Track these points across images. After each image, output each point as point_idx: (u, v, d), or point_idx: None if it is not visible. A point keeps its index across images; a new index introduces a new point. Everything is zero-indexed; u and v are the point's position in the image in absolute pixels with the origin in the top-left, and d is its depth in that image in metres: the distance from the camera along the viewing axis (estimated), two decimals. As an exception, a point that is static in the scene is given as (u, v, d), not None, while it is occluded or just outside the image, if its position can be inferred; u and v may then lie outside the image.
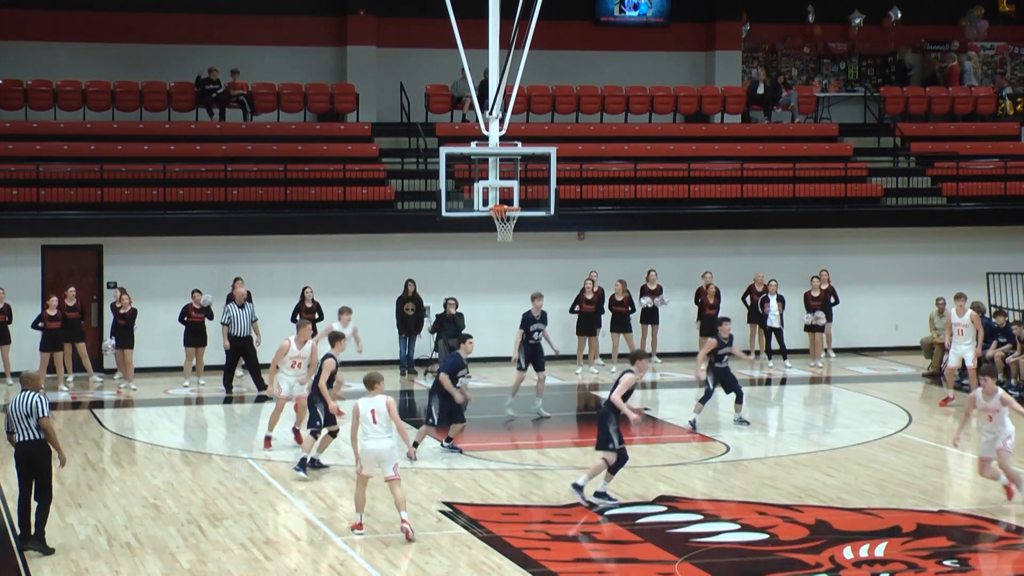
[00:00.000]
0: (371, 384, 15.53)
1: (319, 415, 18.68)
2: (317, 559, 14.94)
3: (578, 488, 17.14)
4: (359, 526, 15.75)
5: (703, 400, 21.82)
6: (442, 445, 20.11)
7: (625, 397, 17.04)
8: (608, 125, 32.08)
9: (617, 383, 17.10)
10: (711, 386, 21.79)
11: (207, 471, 19.29)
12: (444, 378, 19.77)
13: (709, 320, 28.17)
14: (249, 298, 26.04)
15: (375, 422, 15.37)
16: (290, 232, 28.18)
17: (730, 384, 21.85)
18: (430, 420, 19.90)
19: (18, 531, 15.40)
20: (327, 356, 18.87)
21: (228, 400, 25.13)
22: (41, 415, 14.95)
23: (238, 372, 27.24)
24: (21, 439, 15.08)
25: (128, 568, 14.57)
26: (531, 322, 22.98)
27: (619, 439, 17.03)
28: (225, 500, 17.46)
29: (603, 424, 17.13)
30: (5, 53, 30.12)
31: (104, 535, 15.75)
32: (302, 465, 18.55)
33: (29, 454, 15.06)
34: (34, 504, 15.17)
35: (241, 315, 25.56)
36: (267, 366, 24.69)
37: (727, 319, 22.41)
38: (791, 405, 25.86)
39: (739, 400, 21.99)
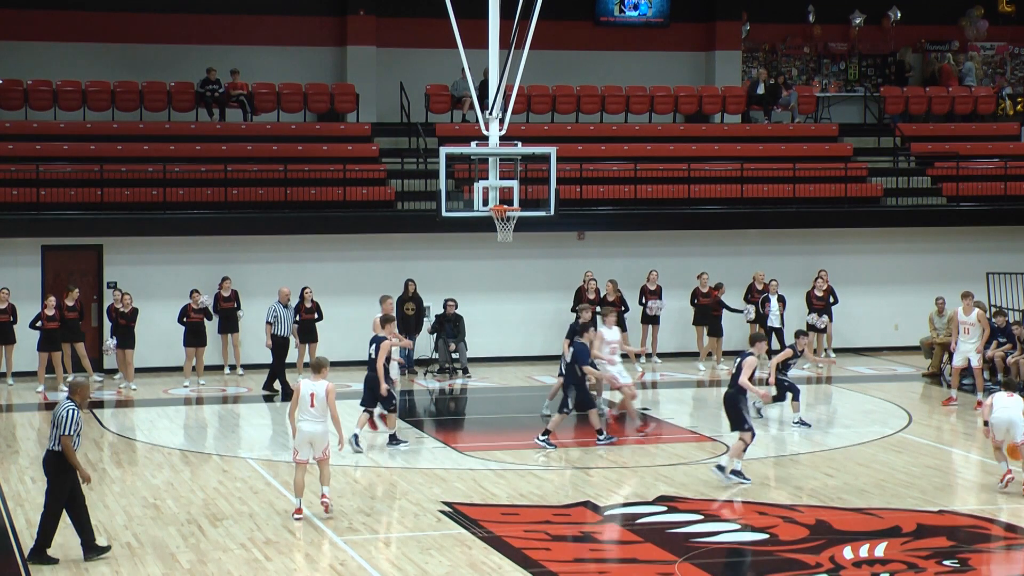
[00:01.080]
0: (317, 368, 16.48)
1: (393, 396, 20.55)
2: (317, 559, 14.94)
3: (721, 469, 18.21)
4: (299, 511, 16.36)
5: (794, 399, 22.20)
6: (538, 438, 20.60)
7: (749, 378, 18.13)
8: (608, 125, 32.08)
9: (740, 367, 18.16)
10: (780, 394, 22.21)
11: (207, 471, 19.30)
12: (589, 369, 20.47)
13: (703, 310, 28.16)
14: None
15: (312, 405, 16.22)
16: (290, 232, 28.17)
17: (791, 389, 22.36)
18: (565, 410, 20.43)
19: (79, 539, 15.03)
20: (382, 338, 20.42)
21: (270, 399, 25.00)
22: (64, 433, 14.52)
23: (239, 371, 27.29)
24: (48, 446, 14.87)
25: (128, 568, 14.57)
26: (575, 332, 22.21)
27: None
28: (225, 500, 17.47)
29: (735, 407, 18.30)
30: (5, 53, 30.12)
31: (104, 535, 15.74)
32: (356, 440, 20.19)
33: (46, 463, 14.87)
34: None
35: (286, 315, 25.46)
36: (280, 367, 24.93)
37: (805, 333, 23.09)
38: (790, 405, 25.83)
39: (796, 399, 22.35)
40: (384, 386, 20.23)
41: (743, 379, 18.07)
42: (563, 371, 21.51)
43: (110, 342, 26.06)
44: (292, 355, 27.01)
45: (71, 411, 14.60)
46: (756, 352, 18.43)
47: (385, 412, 20.67)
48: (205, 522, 16.42)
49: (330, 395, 16.22)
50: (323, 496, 16.45)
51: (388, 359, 20.64)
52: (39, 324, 25.64)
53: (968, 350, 23.83)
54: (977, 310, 23.89)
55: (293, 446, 16.60)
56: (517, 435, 21.89)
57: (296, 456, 16.43)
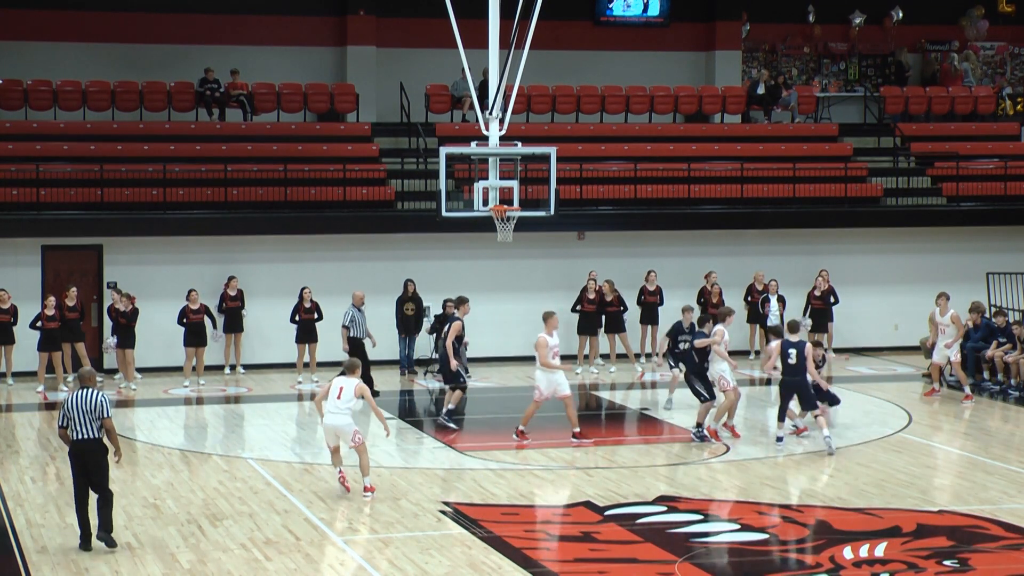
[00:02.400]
0: (351, 369, 17.67)
1: (461, 373, 22.08)
2: (317, 559, 14.94)
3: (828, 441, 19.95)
4: (343, 477, 17.70)
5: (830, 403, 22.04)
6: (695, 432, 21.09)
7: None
8: (608, 125, 32.08)
9: (805, 358, 20.22)
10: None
11: (207, 471, 19.29)
12: (718, 350, 21.03)
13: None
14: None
15: (339, 398, 17.33)
16: (290, 232, 28.18)
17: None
18: (702, 398, 21.05)
19: (78, 531, 15.31)
20: (456, 319, 22.22)
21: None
22: (105, 415, 15.04)
23: (240, 371, 27.29)
24: (80, 437, 15.04)
25: (128, 568, 14.57)
26: (679, 332, 22.70)
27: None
28: (225, 500, 17.47)
29: (805, 390, 20.36)
30: (5, 53, 30.12)
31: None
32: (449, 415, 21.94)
33: (86, 452, 15.06)
34: (94, 501, 15.20)
35: (361, 318, 25.29)
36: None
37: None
38: (791, 405, 25.81)
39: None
40: (453, 362, 21.78)
41: (811, 370, 20.41)
42: (676, 365, 22.86)
43: (110, 340, 26.07)
44: (290, 355, 27.06)
45: (104, 397, 15.18)
46: (726, 325, 20.96)
47: (450, 388, 22.23)
48: (205, 522, 16.42)
49: (363, 393, 17.43)
50: (366, 488, 17.48)
51: (459, 339, 22.35)
52: (39, 324, 25.64)
53: (944, 349, 24.70)
54: (952, 311, 24.60)
55: (325, 441, 17.90)
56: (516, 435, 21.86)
57: (328, 445, 17.75)
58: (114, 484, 18.34)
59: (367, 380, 24.95)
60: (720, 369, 21.07)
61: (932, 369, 25.22)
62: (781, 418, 20.67)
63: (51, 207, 27.41)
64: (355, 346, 25.06)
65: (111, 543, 15.13)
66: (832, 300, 28.91)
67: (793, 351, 20.32)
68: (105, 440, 15.14)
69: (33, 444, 21.29)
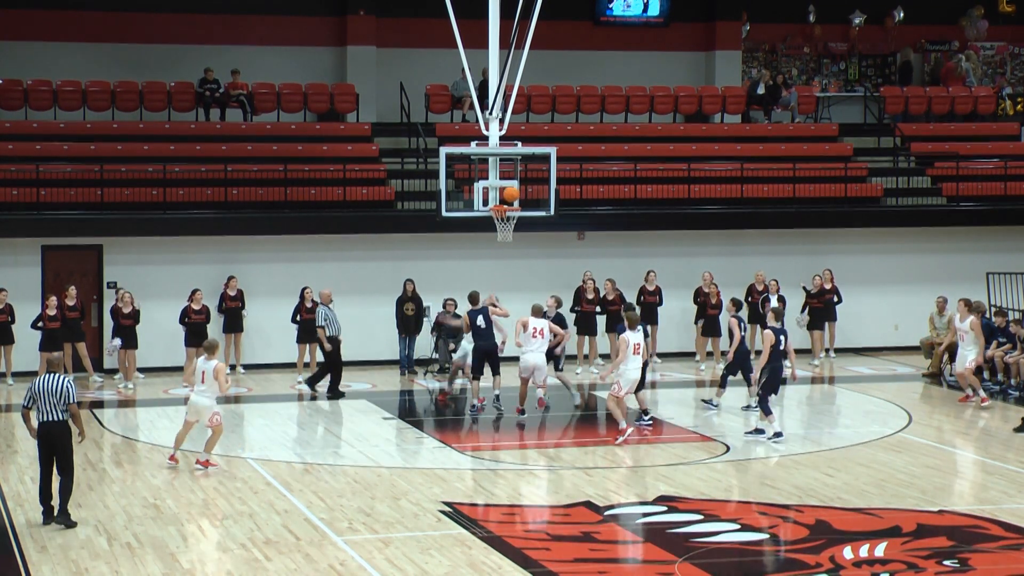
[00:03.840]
0: (211, 350, 18.99)
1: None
2: (317, 559, 14.94)
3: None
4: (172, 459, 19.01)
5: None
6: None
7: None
8: (608, 125, 32.08)
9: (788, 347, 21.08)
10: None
11: (207, 471, 19.27)
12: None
13: (711, 321, 28.14)
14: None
15: (203, 381, 18.85)
16: (290, 232, 28.17)
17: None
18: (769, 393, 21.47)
19: (41, 508, 16.09)
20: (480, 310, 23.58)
21: (339, 396, 24.83)
22: (71, 401, 15.82)
23: (240, 371, 27.28)
24: (45, 419, 15.90)
25: (128, 568, 14.57)
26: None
27: None
28: (225, 500, 17.46)
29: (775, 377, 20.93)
30: (5, 53, 30.13)
31: (104, 535, 15.76)
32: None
33: (53, 435, 15.91)
34: (56, 481, 16.01)
35: (333, 315, 25.13)
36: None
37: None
38: (791, 405, 25.84)
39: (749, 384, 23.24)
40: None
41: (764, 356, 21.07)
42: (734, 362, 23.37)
43: (115, 342, 26.02)
44: (291, 355, 27.06)
45: (70, 383, 15.92)
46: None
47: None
48: (205, 522, 16.42)
49: (218, 373, 18.76)
50: (198, 461, 19.21)
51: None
52: (40, 324, 25.64)
53: (966, 356, 23.93)
54: (971, 318, 23.80)
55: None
56: (517, 435, 21.90)
57: (188, 419, 19.43)
58: (114, 484, 18.44)
59: (335, 379, 24.97)
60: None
61: (959, 379, 24.37)
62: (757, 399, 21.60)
63: (51, 207, 27.41)
64: (334, 345, 24.97)
65: (70, 523, 15.89)
66: (836, 299, 28.85)
67: (783, 337, 21.35)
68: (71, 423, 15.92)
69: (33, 444, 21.17)
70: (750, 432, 21.45)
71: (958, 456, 20.31)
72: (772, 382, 21.11)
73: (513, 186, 21.56)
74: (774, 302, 28.23)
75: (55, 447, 15.94)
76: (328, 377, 25.04)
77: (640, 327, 21.27)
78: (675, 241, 29.85)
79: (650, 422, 22.04)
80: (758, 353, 28.91)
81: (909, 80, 34.92)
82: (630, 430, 20.80)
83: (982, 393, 23.92)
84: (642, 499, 17.44)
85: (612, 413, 20.79)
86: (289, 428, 22.88)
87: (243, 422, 23.78)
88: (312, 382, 25.21)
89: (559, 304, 24.73)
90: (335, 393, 24.91)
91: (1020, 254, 30.40)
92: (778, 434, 20.92)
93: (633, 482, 18.32)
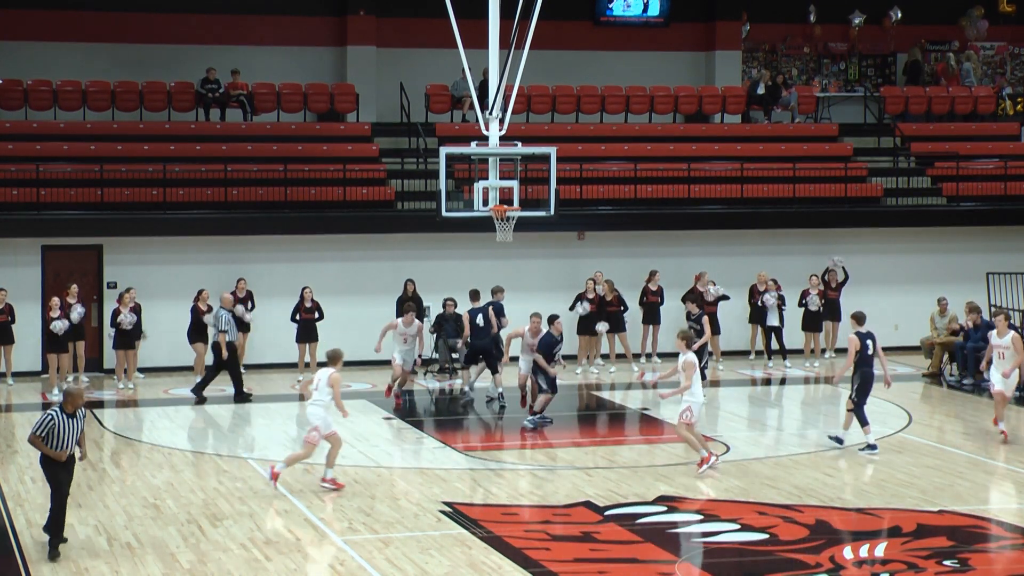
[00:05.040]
0: (333, 360, 18.21)
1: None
2: (317, 559, 14.94)
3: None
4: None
5: None
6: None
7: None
8: (608, 125, 32.08)
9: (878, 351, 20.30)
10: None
11: (207, 471, 19.29)
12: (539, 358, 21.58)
13: (710, 317, 28.07)
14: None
15: (316, 388, 18.00)
16: (290, 232, 28.18)
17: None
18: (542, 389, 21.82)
19: (58, 538, 15.26)
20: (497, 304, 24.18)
21: (246, 399, 24.73)
22: (32, 431, 15.10)
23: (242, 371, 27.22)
24: (70, 454, 15.37)
25: (128, 568, 14.57)
26: (553, 345, 22.22)
27: None
28: (225, 500, 17.47)
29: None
30: (5, 53, 30.13)
31: (104, 535, 15.76)
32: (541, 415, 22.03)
33: (71, 465, 15.41)
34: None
35: (233, 320, 24.82)
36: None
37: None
38: (791, 405, 25.86)
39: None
40: (551, 370, 21.89)
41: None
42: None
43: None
44: (291, 355, 27.05)
45: (47, 416, 15.03)
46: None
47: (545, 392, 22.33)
48: (205, 522, 16.42)
49: (335, 383, 17.91)
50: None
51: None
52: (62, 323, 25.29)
53: (1007, 374, 21.13)
54: (1012, 333, 21.31)
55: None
56: (517, 435, 21.89)
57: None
58: (114, 484, 18.46)
59: (238, 383, 24.52)
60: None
61: (997, 401, 21.33)
62: None
63: (51, 207, 27.41)
64: (231, 351, 24.50)
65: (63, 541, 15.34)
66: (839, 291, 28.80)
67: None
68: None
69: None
70: (832, 437, 20.63)
71: (958, 456, 20.31)
72: (865, 387, 20.07)
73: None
74: (772, 300, 28.28)
75: (73, 476, 15.51)
76: (232, 383, 24.61)
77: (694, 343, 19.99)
78: (675, 241, 29.84)
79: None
80: (757, 354, 29.02)
81: (917, 80, 34.88)
82: (714, 458, 18.83)
83: (1003, 425, 21.16)
84: (642, 499, 17.44)
85: (688, 442, 18.92)
86: (289, 428, 22.87)
87: (243, 422, 23.77)
88: (199, 389, 24.54)
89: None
90: (242, 397, 24.52)
91: (1020, 254, 30.40)
92: (871, 447, 19.91)
93: (633, 482, 18.32)
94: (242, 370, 25.35)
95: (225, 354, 24.50)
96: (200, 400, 24.38)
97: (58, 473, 15.14)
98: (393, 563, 14.67)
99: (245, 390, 24.78)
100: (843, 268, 28.89)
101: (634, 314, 28.35)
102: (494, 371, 23.87)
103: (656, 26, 33.84)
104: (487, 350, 23.88)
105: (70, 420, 15.00)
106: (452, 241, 28.54)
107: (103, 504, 17.26)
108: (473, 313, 23.74)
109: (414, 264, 28.50)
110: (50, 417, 14.97)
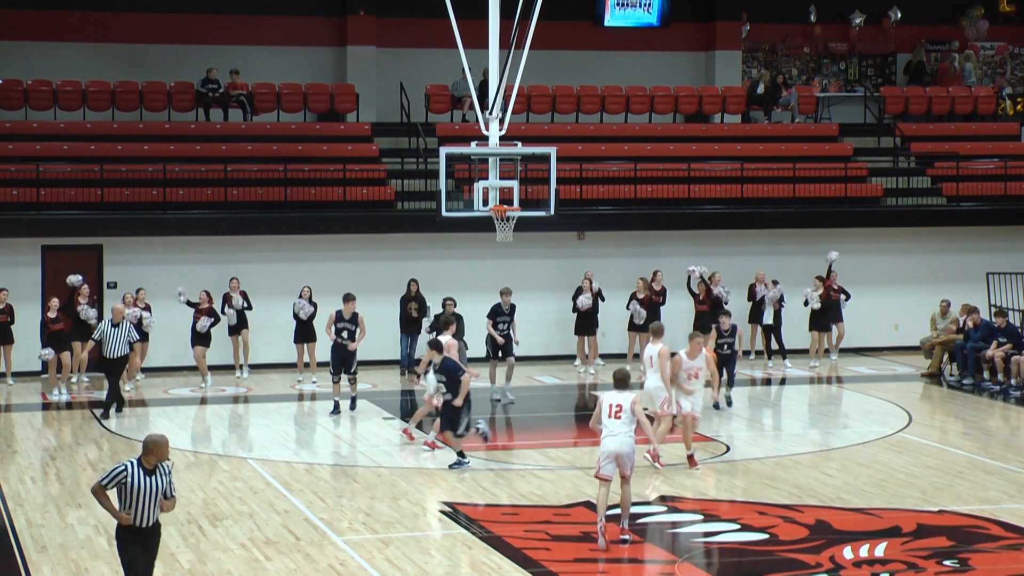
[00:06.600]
0: (657, 333, 18.88)
1: None
2: (317, 559, 14.95)
3: None
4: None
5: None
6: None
7: None
8: (608, 125, 32.08)
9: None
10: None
11: (207, 471, 19.29)
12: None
13: (700, 316, 28.04)
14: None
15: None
16: (290, 232, 28.18)
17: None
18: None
19: None
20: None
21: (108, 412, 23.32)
22: (171, 494, 12.13)
23: (244, 372, 27.16)
24: (146, 524, 12.08)
25: (128, 568, 14.55)
26: (499, 314, 24.48)
27: None
28: (225, 500, 17.47)
29: None
30: (5, 53, 30.12)
31: (104, 535, 15.75)
32: None
33: (150, 536, 12.15)
34: None
35: (115, 333, 23.09)
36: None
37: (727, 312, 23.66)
38: (791, 405, 25.86)
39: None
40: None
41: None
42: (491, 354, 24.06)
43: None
44: (288, 355, 27.01)
45: (119, 467, 12.00)
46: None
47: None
48: (205, 522, 16.42)
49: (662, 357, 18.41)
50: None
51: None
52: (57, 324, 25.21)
53: None
54: None
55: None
56: (517, 435, 21.89)
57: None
58: (114, 484, 18.39)
59: (117, 397, 23.26)
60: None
61: None
62: None
63: (51, 207, 27.41)
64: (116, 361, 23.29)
65: None
66: (844, 297, 28.70)
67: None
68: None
69: (32, 444, 21.29)
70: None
71: (958, 456, 20.31)
72: None
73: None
74: (776, 294, 28.25)
75: (152, 549, 12.12)
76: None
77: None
78: (675, 241, 29.83)
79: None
80: (757, 354, 29.00)
81: (920, 80, 34.86)
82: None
83: None
84: (642, 499, 17.43)
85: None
86: (289, 428, 22.88)
87: (243, 422, 23.78)
88: (107, 405, 23.24)
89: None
90: (107, 410, 23.15)
91: (1020, 254, 30.40)
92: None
93: (633, 482, 18.30)
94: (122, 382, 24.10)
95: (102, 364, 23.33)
96: (107, 415, 23.10)
97: (130, 547, 11.87)
98: (393, 563, 14.67)
99: (121, 401, 23.45)
100: (830, 265, 28.78)
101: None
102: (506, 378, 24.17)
103: (656, 26, 33.81)
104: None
105: (148, 478, 11.86)
106: (452, 241, 28.54)
107: (103, 504, 17.24)
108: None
109: (414, 264, 28.49)
110: (123, 469, 11.86)
